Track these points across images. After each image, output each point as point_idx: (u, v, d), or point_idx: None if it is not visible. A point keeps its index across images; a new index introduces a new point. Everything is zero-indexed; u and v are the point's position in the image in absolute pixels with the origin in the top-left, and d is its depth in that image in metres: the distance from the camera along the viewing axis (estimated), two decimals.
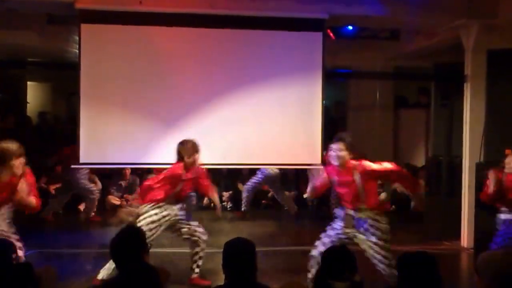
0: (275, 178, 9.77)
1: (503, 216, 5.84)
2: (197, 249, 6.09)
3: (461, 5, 7.82)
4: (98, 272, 5.87)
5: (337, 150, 5.18)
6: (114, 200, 10.39)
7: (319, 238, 5.37)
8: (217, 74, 7.46)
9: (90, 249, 7.60)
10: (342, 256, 3.41)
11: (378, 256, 5.26)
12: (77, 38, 7.30)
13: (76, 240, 8.22)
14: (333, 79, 10.31)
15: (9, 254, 3.77)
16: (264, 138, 6.39)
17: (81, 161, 7.34)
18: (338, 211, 5.40)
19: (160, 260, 6.55)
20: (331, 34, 8.81)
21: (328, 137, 8.20)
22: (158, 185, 5.87)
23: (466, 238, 8.10)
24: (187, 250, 6.27)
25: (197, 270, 6.11)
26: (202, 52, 7.42)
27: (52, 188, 10.29)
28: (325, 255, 3.52)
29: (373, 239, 5.26)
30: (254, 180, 9.85)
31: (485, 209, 7.28)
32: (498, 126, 7.91)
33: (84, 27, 7.20)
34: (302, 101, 7.61)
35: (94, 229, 9.14)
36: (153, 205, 5.86)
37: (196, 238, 6.07)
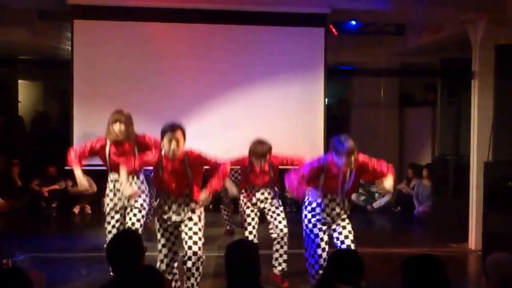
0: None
1: None
2: None
3: None
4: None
5: None
6: None
7: None
8: (215, 71, 7.39)
9: (85, 253, 7.48)
10: (352, 259, 3.38)
11: None
12: (69, 34, 7.22)
13: (70, 244, 8.08)
14: (335, 76, 10.19)
15: None
16: (265, 137, 6.30)
17: None
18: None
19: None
20: (334, 30, 8.67)
21: (331, 136, 8.14)
22: None
23: (474, 240, 7.99)
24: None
25: None
26: (199, 48, 7.35)
27: (45, 190, 10.15)
28: (334, 257, 3.50)
29: None
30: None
31: (493, 210, 7.16)
32: (507, 124, 7.78)
33: (77, 23, 7.14)
34: (304, 99, 7.53)
35: (88, 232, 9.01)
36: None
37: None
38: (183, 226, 5.17)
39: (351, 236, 5.26)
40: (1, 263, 5.48)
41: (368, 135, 11.35)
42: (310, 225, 5.29)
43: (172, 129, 5.02)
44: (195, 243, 5.06)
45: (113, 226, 5.81)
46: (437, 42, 9.40)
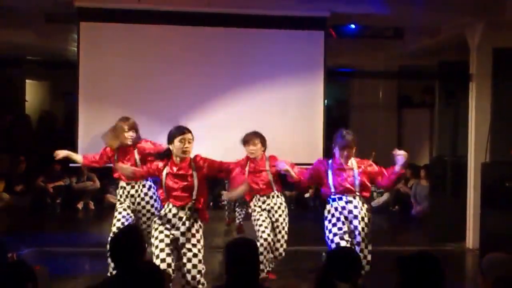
0: None
1: None
2: None
3: (466, 2, 7.75)
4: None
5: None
6: (113, 198, 10.29)
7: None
8: (217, 73, 7.47)
9: (88, 248, 7.53)
10: (349, 257, 3.41)
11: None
12: (75, 36, 7.32)
13: (74, 238, 8.19)
14: (335, 78, 10.26)
15: (4, 252, 3.84)
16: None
17: None
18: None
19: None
20: (333, 33, 8.74)
21: (330, 137, 8.24)
22: None
23: (471, 239, 8.04)
24: None
25: None
26: (203, 50, 7.44)
27: (50, 186, 10.27)
28: (332, 255, 3.53)
29: None
30: None
31: (490, 210, 7.24)
32: (503, 125, 7.86)
33: (83, 25, 7.23)
34: (304, 101, 7.61)
35: (91, 228, 9.08)
36: None
37: None
38: (183, 240, 4.91)
39: (358, 238, 5.33)
40: (6, 256, 5.57)
41: (367, 136, 11.43)
42: (328, 217, 5.37)
43: (183, 131, 5.04)
44: (194, 266, 4.85)
45: (118, 220, 5.78)
46: (435, 45, 9.45)
